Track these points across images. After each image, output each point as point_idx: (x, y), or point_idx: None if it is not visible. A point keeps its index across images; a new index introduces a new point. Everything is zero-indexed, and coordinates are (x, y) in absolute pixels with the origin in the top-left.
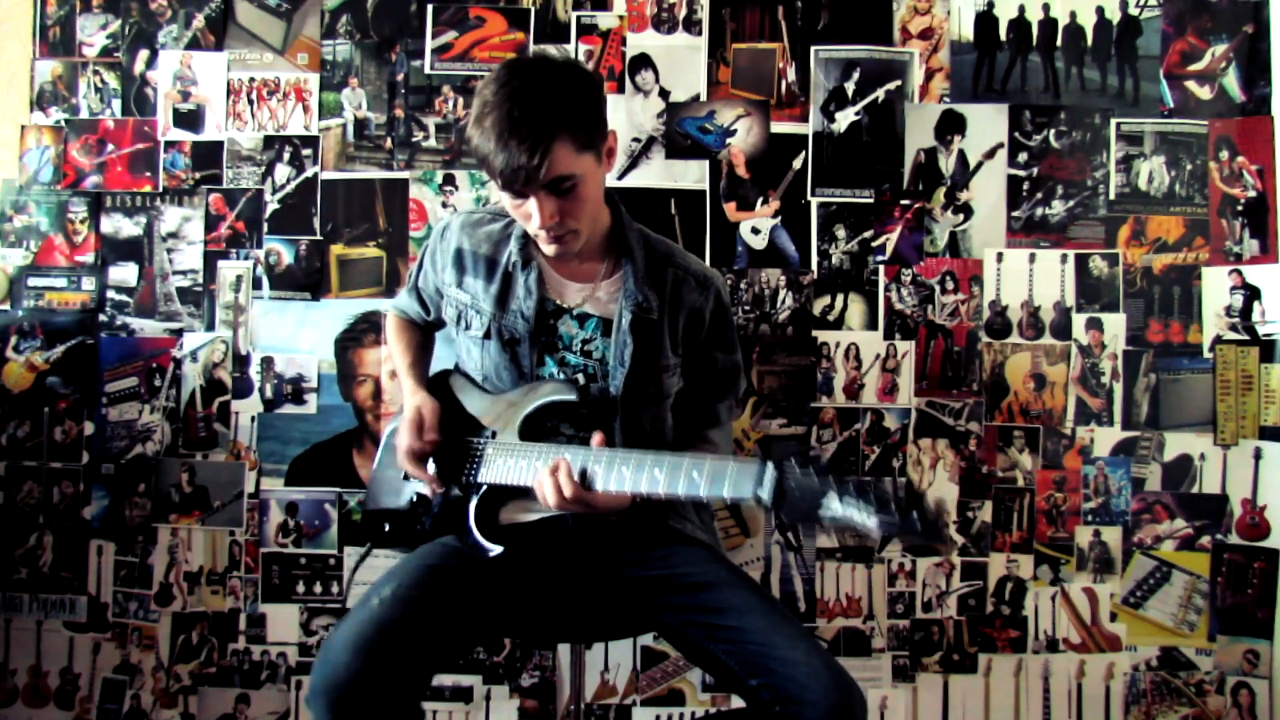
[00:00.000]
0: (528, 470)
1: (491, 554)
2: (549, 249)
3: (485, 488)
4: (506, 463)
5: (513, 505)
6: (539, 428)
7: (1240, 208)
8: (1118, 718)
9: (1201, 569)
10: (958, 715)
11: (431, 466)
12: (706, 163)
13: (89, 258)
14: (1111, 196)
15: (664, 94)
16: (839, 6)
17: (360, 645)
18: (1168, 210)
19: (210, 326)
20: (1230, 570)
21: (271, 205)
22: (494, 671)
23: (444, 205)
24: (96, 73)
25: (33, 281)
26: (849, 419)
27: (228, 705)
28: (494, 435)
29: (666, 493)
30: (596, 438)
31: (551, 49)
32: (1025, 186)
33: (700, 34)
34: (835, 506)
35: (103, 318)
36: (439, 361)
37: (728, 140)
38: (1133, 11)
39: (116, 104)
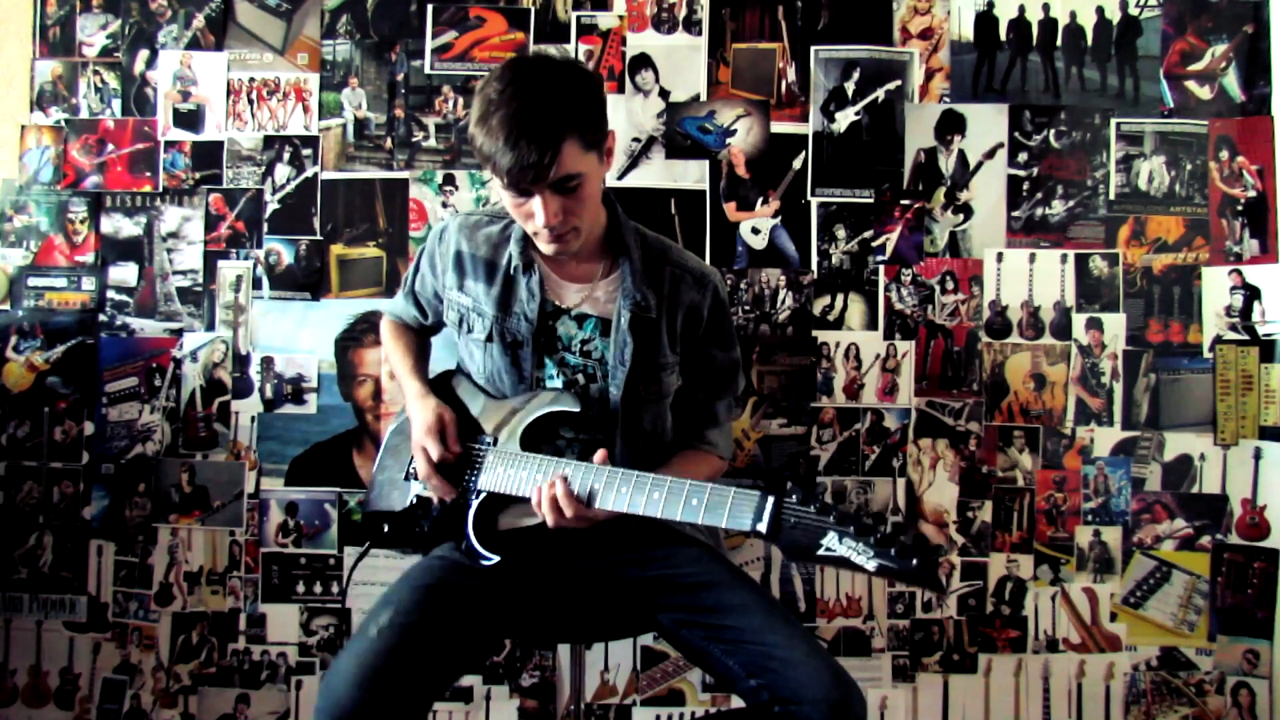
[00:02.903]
0: (527, 481)
1: (488, 563)
2: (548, 248)
3: (485, 494)
4: (507, 471)
5: (512, 511)
6: (541, 434)
7: (1240, 208)
8: (1118, 718)
9: (1201, 569)
10: (958, 715)
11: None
12: (706, 163)
13: (89, 258)
14: (1111, 196)
15: (664, 94)
16: (839, 6)
17: (362, 676)
18: (1168, 210)
19: (210, 326)
20: (1230, 570)
21: (271, 205)
22: (494, 671)
23: (444, 205)
24: (96, 73)
25: (33, 281)
26: (849, 419)
27: (228, 705)
28: (495, 442)
29: (664, 516)
30: (599, 455)
31: (551, 49)
32: (1025, 186)
33: (700, 34)
34: (834, 546)
35: (103, 318)
36: (437, 364)
37: (728, 140)
38: (1133, 11)
39: (116, 104)
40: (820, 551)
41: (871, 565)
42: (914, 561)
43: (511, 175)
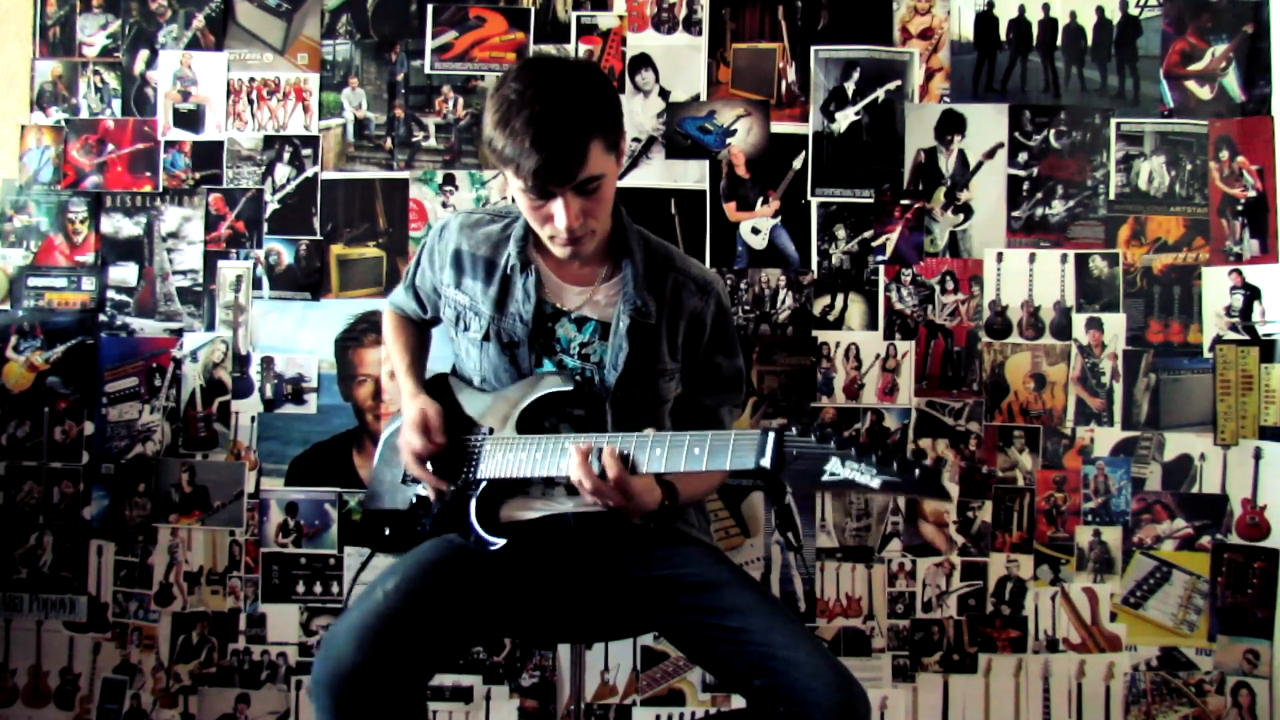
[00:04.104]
0: (527, 462)
1: (494, 547)
2: (563, 251)
3: (485, 484)
4: (505, 456)
5: (513, 502)
6: (536, 424)
7: (1240, 208)
8: (1118, 718)
9: (1201, 569)
10: (958, 715)
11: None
12: (706, 163)
13: (89, 258)
14: (1111, 196)
15: (664, 94)
16: (839, 6)
17: (363, 636)
18: (1168, 210)
19: (210, 326)
20: (1230, 570)
21: (271, 205)
22: (494, 671)
23: (444, 205)
24: (96, 73)
25: (33, 281)
26: (849, 419)
27: (228, 705)
28: (491, 431)
29: (668, 468)
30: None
31: (551, 48)
32: (1025, 186)
33: (700, 34)
34: (838, 469)
35: (103, 318)
36: (437, 360)
37: (728, 140)
38: (1133, 11)
39: (116, 104)
40: (825, 478)
41: (875, 482)
42: (916, 473)
43: (538, 177)
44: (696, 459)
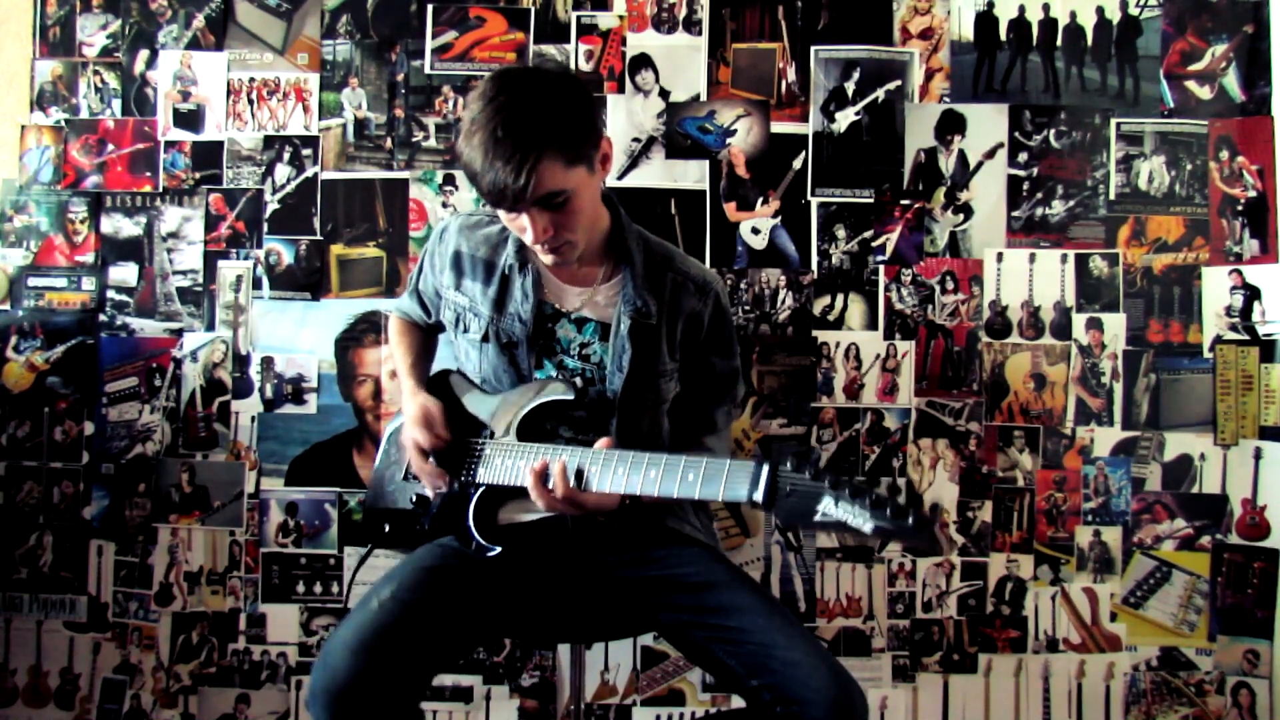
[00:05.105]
0: (525, 471)
1: (490, 554)
2: (546, 259)
3: (484, 487)
4: (505, 463)
5: (512, 505)
6: (537, 428)
7: (1240, 208)
8: (1118, 718)
9: (1201, 569)
10: (958, 715)
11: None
12: (706, 163)
13: (89, 258)
14: (1111, 196)
15: (664, 94)
16: (839, 6)
17: (359, 648)
18: (1168, 210)
19: (210, 326)
20: (1230, 570)
21: (271, 205)
22: (494, 671)
23: (444, 205)
24: (96, 73)
25: (33, 281)
26: (849, 419)
27: (228, 705)
28: (492, 435)
29: (661, 493)
30: (602, 441)
31: (551, 49)
32: (1025, 186)
33: (700, 34)
34: (830, 509)
35: (103, 318)
36: (441, 362)
37: (728, 140)
38: (1133, 11)
39: (116, 104)
40: (817, 517)
41: (868, 526)
42: (910, 521)
43: (491, 197)
44: (689, 486)
